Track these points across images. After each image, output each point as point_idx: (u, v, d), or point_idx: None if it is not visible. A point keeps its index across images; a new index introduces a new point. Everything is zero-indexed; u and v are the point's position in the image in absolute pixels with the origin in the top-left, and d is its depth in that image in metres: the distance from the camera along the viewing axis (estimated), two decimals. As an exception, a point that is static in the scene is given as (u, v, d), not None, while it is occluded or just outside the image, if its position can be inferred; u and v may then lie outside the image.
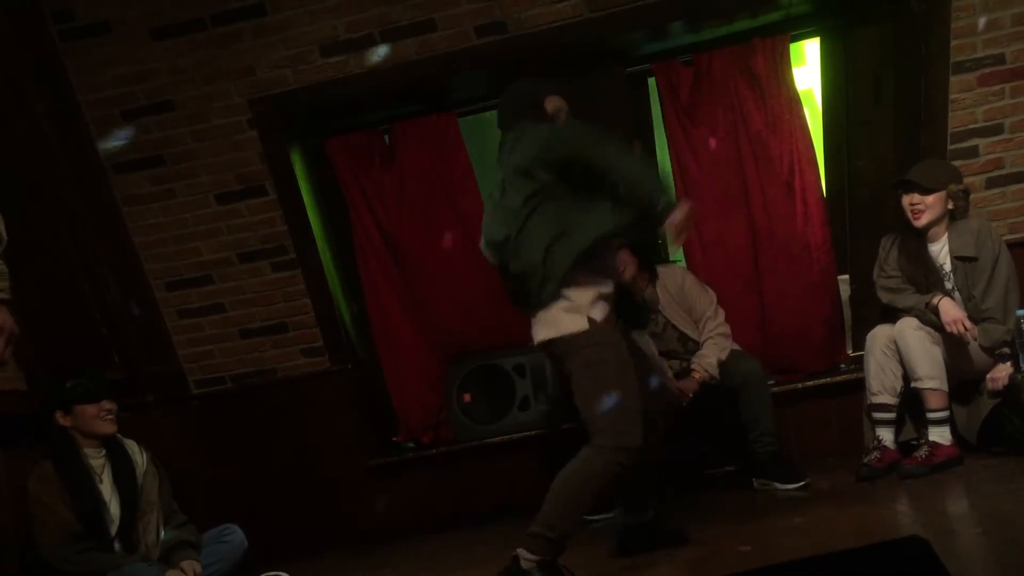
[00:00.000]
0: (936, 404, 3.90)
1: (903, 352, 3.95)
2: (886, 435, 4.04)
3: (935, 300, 3.93)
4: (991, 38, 4.20)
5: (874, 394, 4.04)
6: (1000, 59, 4.22)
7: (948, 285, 4.02)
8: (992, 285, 3.97)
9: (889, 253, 4.14)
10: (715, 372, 4.22)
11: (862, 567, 1.71)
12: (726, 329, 4.34)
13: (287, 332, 4.84)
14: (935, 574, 1.68)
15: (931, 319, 3.93)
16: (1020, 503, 3.24)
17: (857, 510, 3.61)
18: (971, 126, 4.31)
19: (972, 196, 4.26)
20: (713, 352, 4.25)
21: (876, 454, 4.01)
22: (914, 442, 4.07)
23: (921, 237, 4.06)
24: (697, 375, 4.22)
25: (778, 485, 4.11)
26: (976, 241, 3.98)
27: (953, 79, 4.26)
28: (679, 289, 4.40)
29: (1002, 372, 3.94)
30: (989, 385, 3.97)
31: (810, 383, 4.63)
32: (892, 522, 3.46)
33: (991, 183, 4.37)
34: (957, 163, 4.28)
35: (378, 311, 4.94)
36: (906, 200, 4.03)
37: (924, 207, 3.99)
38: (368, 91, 4.48)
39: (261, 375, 4.91)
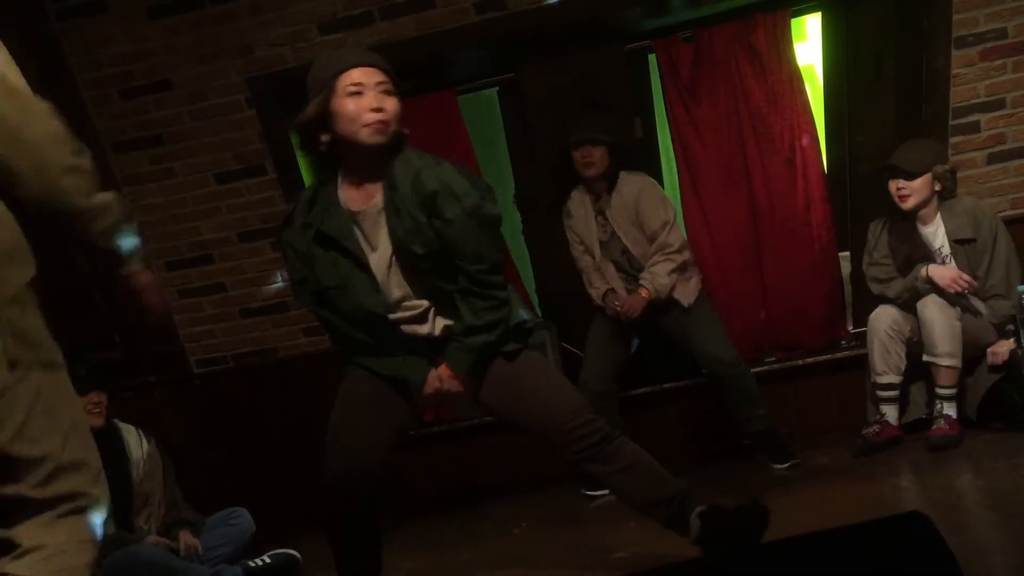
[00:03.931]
0: (950, 381, 3.91)
1: (926, 327, 3.91)
2: (890, 411, 4.05)
3: (924, 272, 3.93)
4: (993, 12, 4.18)
5: (879, 374, 4.05)
6: (1002, 33, 4.20)
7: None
8: (994, 263, 3.98)
9: (879, 239, 4.14)
10: (664, 292, 4.07)
11: (862, 543, 1.72)
12: (683, 255, 4.14)
13: (288, 312, 4.84)
14: (936, 549, 1.68)
15: (927, 290, 3.93)
16: (1020, 478, 3.25)
17: (857, 486, 3.62)
18: (973, 101, 4.29)
19: (974, 172, 4.25)
20: (664, 270, 4.08)
21: (875, 428, 4.03)
22: (926, 416, 4.08)
23: (912, 219, 4.05)
24: (644, 292, 4.08)
25: (771, 464, 4.11)
26: (973, 222, 3.98)
27: (955, 54, 4.24)
28: (634, 198, 4.15)
29: (1003, 347, 3.96)
30: (989, 360, 3.98)
31: (810, 360, 4.63)
32: (892, 498, 3.48)
33: (992, 158, 4.36)
34: (958, 139, 4.27)
35: (378, 290, 4.93)
36: (892, 185, 4.03)
37: (910, 191, 3.99)
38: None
39: (262, 355, 4.92)
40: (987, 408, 4.00)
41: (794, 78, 4.53)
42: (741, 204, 4.65)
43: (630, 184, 4.20)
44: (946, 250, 4.03)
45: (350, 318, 2.74)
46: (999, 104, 4.29)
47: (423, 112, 4.72)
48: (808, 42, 5.08)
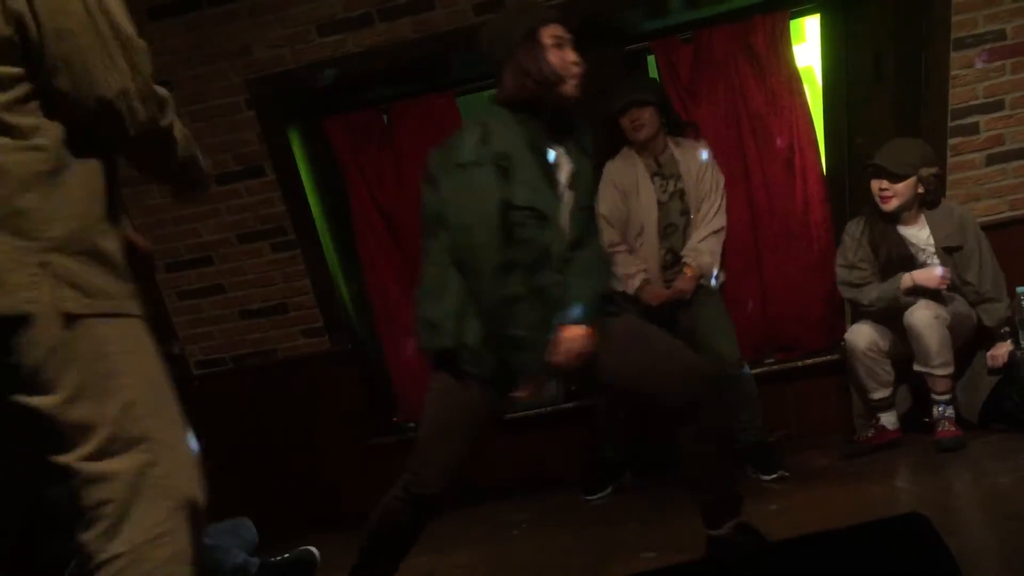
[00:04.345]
0: (947, 387, 3.90)
1: (918, 339, 3.85)
2: (887, 418, 4.05)
3: (908, 281, 3.90)
4: (992, 14, 4.18)
5: (870, 391, 4.05)
6: (1001, 35, 4.20)
7: None
8: (983, 268, 3.99)
9: (859, 242, 4.08)
10: (707, 272, 4.04)
11: (862, 543, 1.72)
12: (723, 224, 4.14)
13: (287, 313, 4.84)
14: (935, 550, 1.68)
15: (908, 303, 3.90)
16: (1019, 480, 3.25)
17: (856, 487, 3.62)
18: (972, 102, 4.30)
19: (973, 173, 4.25)
20: (708, 248, 4.05)
21: (870, 431, 4.03)
22: (927, 420, 4.08)
23: (894, 220, 4.03)
24: (690, 272, 4.04)
25: (758, 474, 4.03)
26: (960, 230, 3.98)
27: (954, 55, 4.24)
28: (700, 163, 4.13)
29: (1002, 349, 3.96)
30: (989, 362, 3.98)
31: (810, 361, 4.62)
32: (891, 499, 3.48)
33: (991, 159, 4.36)
34: (957, 140, 4.27)
35: (378, 291, 4.94)
36: (875, 185, 3.99)
37: (893, 193, 3.96)
38: (366, 71, 4.46)
39: (261, 356, 4.92)
40: (987, 410, 4.00)
41: (793, 80, 4.54)
42: (740, 205, 4.64)
43: (694, 142, 4.20)
44: (931, 250, 4.01)
45: (537, 256, 2.60)
46: (998, 105, 4.29)
47: (422, 114, 4.73)
48: (807, 44, 5.08)
